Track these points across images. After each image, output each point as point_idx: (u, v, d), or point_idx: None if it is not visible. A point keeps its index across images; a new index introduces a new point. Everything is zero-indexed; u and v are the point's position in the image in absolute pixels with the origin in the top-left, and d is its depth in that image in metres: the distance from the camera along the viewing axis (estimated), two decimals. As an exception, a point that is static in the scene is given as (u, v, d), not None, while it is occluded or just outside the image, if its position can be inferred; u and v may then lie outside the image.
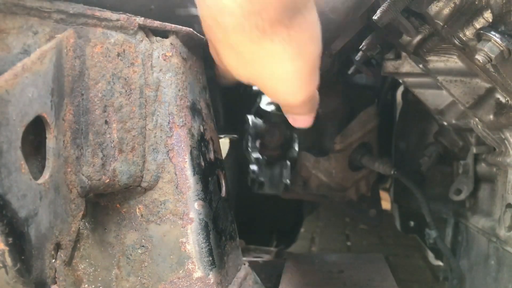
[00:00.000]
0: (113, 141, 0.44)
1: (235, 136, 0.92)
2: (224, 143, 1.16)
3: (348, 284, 0.72)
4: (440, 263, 1.15)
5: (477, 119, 0.71)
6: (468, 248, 0.89)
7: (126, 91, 0.45)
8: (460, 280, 0.88)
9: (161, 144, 0.48)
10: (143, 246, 0.50)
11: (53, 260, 0.39)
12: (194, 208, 0.49)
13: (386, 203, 1.38)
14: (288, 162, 0.79)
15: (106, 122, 0.43)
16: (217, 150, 0.57)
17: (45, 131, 0.37)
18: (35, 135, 0.37)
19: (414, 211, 1.10)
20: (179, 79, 0.49)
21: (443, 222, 0.99)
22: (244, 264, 0.60)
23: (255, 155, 0.77)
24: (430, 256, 1.25)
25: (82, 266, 0.51)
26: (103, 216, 0.50)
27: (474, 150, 0.83)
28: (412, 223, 1.17)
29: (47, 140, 0.37)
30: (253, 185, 0.78)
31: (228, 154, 1.09)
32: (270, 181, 0.78)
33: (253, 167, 0.78)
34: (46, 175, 0.37)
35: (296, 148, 0.83)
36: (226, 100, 0.91)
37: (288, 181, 0.76)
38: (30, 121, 0.35)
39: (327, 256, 0.78)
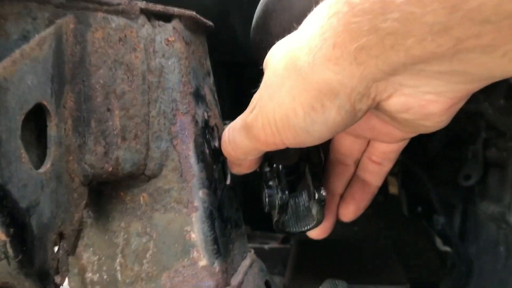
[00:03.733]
0: (115, 129, 0.43)
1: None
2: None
3: (354, 271, 0.72)
4: (448, 249, 1.15)
5: (487, 103, 0.70)
6: (476, 235, 0.88)
7: (128, 77, 0.44)
8: (468, 266, 0.87)
9: (164, 131, 0.47)
10: (147, 234, 0.49)
11: (56, 251, 0.38)
12: (198, 197, 0.48)
13: (393, 188, 1.37)
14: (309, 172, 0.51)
15: (108, 109, 0.42)
16: (222, 137, 0.56)
17: (46, 119, 0.36)
18: (35, 123, 0.36)
19: (422, 197, 1.09)
20: (182, 65, 0.48)
21: (451, 208, 0.98)
22: (250, 251, 0.59)
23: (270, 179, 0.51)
24: (438, 241, 1.24)
25: (86, 255, 0.51)
26: (107, 205, 0.50)
27: (483, 135, 0.82)
28: (419, 209, 1.16)
29: (47, 128, 0.36)
30: (276, 226, 0.52)
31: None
32: (295, 215, 0.51)
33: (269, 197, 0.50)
34: (47, 164, 0.36)
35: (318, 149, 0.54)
36: (231, 85, 0.90)
37: (317, 214, 0.49)
38: (30, 109, 0.34)
39: (333, 242, 0.77)
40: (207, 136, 0.51)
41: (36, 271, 0.35)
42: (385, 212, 1.28)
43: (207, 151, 0.50)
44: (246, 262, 0.56)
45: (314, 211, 0.49)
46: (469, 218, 0.93)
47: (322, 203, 0.48)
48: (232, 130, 0.47)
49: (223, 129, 0.56)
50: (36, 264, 0.35)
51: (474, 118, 0.83)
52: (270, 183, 0.50)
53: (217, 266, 0.49)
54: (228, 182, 0.54)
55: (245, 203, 0.99)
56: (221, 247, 0.50)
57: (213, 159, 0.51)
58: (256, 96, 0.44)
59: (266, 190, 0.50)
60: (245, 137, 0.45)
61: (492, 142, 0.81)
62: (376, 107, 0.39)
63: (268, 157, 0.50)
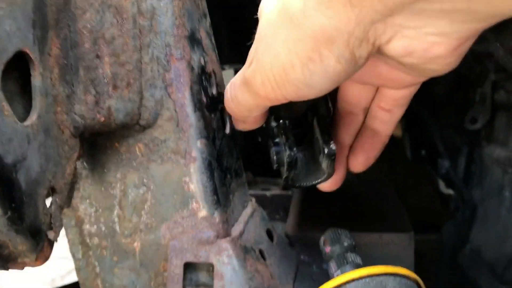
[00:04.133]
0: (106, 77, 0.41)
1: (241, 66, 0.87)
2: (229, 75, 1.12)
3: (357, 218, 0.71)
4: (451, 192, 1.14)
5: (498, 43, 0.66)
6: (481, 179, 0.87)
7: (117, 21, 0.41)
8: (471, 211, 0.87)
9: (158, 79, 0.45)
10: (144, 186, 0.48)
11: (48, 206, 0.37)
12: (196, 147, 0.46)
13: (397, 130, 1.35)
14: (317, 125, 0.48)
15: (97, 56, 0.40)
16: (220, 84, 0.53)
17: (30, 68, 0.34)
18: (19, 73, 0.34)
19: (426, 140, 1.08)
20: (175, 6, 0.44)
21: (456, 152, 0.96)
22: (251, 200, 0.58)
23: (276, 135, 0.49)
24: (441, 184, 1.23)
25: (83, 207, 0.50)
26: (102, 156, 0.48)
27: (492, 77, 0.79)
28: (423, 152, 1.14)
29: (32, 78, 0.34)
30: (286, 182, 0.50)
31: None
32: (304, 169, 0.49)
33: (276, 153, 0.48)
34: (33, 116, 0.34)
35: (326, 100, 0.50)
36: (230, 25, 0.86)
37: (327, 168, 0.47)
38: (11, 58, 0.31)
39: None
40: (204, 83, 0.48)
41: (27, 228, 0.33)
42: (388, 155, 1.27)
43: (204, 99, 0.47)
44: (247, 212, 0.55)
45: (324, 165, 0.47)
46: (474, 162, 0.91)
47: (332, 157, 0.46)
48: (233, 87, 0.45)
49: (221, 75, 0.54)
50: (26, 221, 0.33)
51: (482, 59, 0.80)
52: (277, 139, 0.49)
53: (217, 217, 0.48)
54: (227, 131, 0.52)
55: (246, 149, 0.97)
56: (220, 197, 0.48)
57: (211, 107, 0.49)
58: (252, 49, 0.41)
59: (273, 148, 0.49)
60: (246, 94, 0.43)
61: (501, 85, 0.78)
62: (378, 52, 0.37)
63: (274, 111, 0.48)
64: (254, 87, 0.41)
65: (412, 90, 0.47)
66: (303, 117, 0.50)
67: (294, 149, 0.47)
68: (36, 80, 0.34)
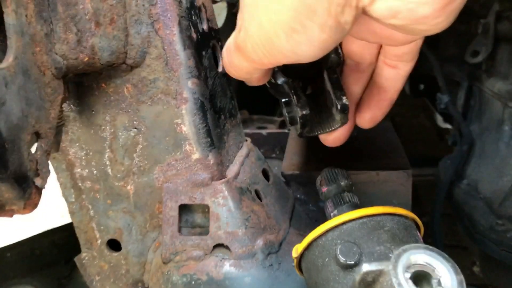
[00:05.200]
0: (87, 13, 0.38)
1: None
2: (220, 8, 1.07)
3: (356, 156, 0.70)
4: (449, 126, 1.13)
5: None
6: (480, 113, 0.85)
7: (96, -50, 0.38)
8: (469, 145, 0.85)
9: (144, 14, 0.42)
10: (135, 128, 0.46)
11: (33, 151, 0.35)
12: (187, 87, 0.44)
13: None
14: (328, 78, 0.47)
15: None
16: (211, 19, 0.50)
17: (1, 5, 0.31)
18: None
19: (425, 74, 1.05)
20: None
21: (455, 86, 0.94)
22: (246, 140, 0.56)
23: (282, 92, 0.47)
24: (438, 119, 1.22)
25: (73, 150, 0.48)
26: (89, 97, 0.46)
27: (497, 6, 0.76)
28: (422, 86, 1.12)
29: (4, 16, 0.31)
30: (300, 135, 0.49)
31: (226, 22, 1.01)
32: (317, 118, 0.49)
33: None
34: (9, 57, 0.32)
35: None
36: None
37: (341, 120, 0.47)
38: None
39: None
40: (194, 18, 0.46)
41: (11, 175, 0.32)
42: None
43: (194, 35, 0.45)
44: (242, 152, 0.53)
45: (337, 117, 0.47)
46: (474, 96, 0.89)
47: (345, 112, 0.46)
48: (228, 52, 0.43)
49: (213, 9, 0.51)
50: (10, 168, 0.32)
51: (487, -12, 0.77)
52: (288, 99, 0.47)
53: (211, 159, 0.46)
54: (220, 69, 0.50)
55: (240, 87, 0.95)
56: (214, 139, 0.47)
57: (202, 44, 0.46)
58: (239, 15, 0.40)
59: (285, 108, 0.48)
60: (241, 59, 0.41)
61: (505, 15, 0.75)
62: (364, 13, 0.35)
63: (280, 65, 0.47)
64: (247, 53, 0.40)
65: (413, 46, 0.44)
66: (312, 66, 0.49)
67: (307, 108, 0.47)
68: (9, 18, 0.31)
